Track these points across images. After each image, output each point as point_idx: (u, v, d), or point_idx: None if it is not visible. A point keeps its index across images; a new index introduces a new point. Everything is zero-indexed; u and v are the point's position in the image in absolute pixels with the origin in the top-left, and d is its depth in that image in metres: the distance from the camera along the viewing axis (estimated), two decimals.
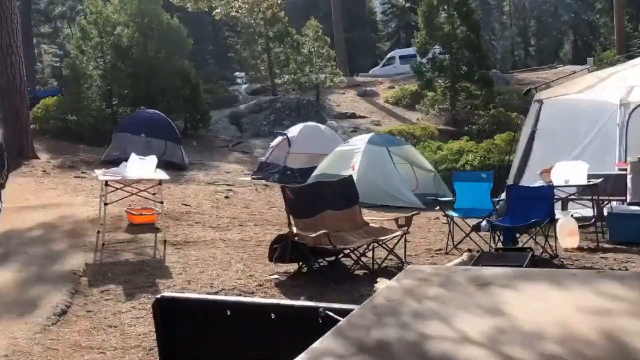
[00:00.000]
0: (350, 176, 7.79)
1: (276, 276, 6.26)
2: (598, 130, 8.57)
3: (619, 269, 6.17)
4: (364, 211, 7.74)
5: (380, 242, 6.53)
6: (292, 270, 6.43)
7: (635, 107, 8.42)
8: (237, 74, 32.15)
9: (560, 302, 1.35)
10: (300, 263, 6.48)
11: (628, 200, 7.89)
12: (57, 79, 35.71)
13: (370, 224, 7.10)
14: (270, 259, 6.37)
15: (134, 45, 20.08)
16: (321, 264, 6.61)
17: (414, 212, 7.19)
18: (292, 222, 6.31)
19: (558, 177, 7.67)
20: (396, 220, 7.07)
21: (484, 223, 7.69)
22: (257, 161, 16.26)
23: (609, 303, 1.31)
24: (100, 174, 7.56)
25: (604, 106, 8.59)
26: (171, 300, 1.98)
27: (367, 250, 6.54)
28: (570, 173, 7.74)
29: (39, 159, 14.61)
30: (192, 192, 11.29)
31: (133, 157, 7.61)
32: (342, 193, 7.14)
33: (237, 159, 18.70)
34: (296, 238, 6.21)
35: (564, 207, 8.59)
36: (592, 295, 1.38)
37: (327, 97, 25.69)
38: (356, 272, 6.38)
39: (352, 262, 6.56)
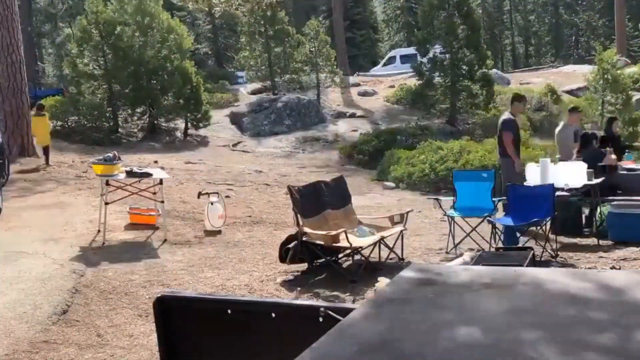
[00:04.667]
0: (342, 176, 7.80)
1: (277, 275, 6.27)
2: None
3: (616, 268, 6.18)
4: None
5: (385, 239, 6.54)
6: (292, 270, 6.43)
7: None
8: (237, 73, 32.10)
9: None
10: (315, 262, 6.50)
11: None
12: (57, 78, 35.69)
13: (365, 222, 7.11)
14: (281, 260, 6.36)
15: (134, 45, 20.06)
16: (321, 263, 6.62)
17: (408, 210, 7.20)
18: (300, 222, 6.32)
19: (534, 177, 7.77)
20: (391, 218, 7.06)
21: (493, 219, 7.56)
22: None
23: None
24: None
25: None
26: (172, 299, 1.99)
27: (372, 249, 6.55)
28: (570, 174, 7.74)
29: (40, 158, 14.59)
30: (193, 192, 11.26)
31: None
32: (338, 192, 7.14)
33: (238, 158, 18.69)
34: (304, 238, 6.21)
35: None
36: None
37: (328, 96, 25.67)
38: (356, 270, 6.38)
39: (352, 261, 6.56)
